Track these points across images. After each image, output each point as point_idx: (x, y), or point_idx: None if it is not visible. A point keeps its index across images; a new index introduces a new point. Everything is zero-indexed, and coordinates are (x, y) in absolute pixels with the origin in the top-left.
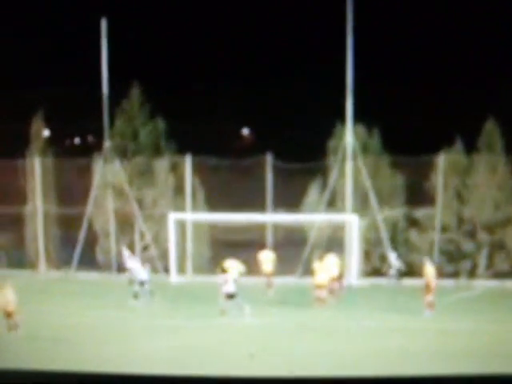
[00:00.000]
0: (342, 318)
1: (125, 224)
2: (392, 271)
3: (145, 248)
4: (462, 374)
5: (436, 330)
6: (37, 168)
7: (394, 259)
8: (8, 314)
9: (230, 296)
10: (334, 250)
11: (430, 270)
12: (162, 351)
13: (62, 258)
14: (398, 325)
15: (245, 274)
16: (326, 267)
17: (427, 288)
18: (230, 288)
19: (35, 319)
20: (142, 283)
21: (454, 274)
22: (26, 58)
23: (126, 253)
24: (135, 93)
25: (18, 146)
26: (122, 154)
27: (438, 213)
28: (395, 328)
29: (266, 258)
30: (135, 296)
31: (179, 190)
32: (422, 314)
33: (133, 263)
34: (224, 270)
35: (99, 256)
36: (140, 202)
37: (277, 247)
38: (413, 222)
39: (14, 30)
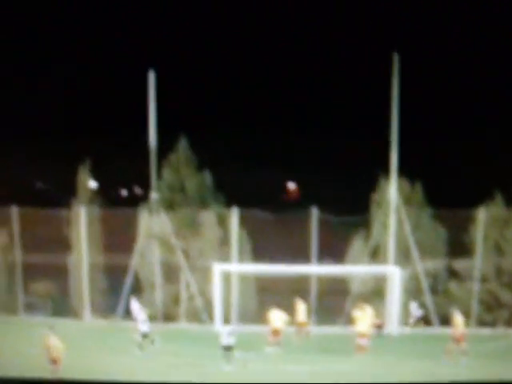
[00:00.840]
0: (380, 365)
1: (170, 275)
2: (412, 320)
3: (190, 298)
4: None
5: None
6: (83, 217)
7: (414, 308)
8: (54, 361)
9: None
10: (375, 301)
11: (458, 319)
12: None
13: (107, 307)
14: (436, 372)
15: (289, 323)
16: (367, 317)
17: (458, 337)
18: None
19: (77, 366)
20: (145, 335)
21: (492, 323)
22: (74, 108)
23: (135, 305)
24: (182, 145)
25: (64, 196)
26: (169, 205)
27: (477, 264)
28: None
29: (299, 309)
30: (141, 347)
31: (225, 241)
32: (459, 362)
33: (141, 315)
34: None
35: (144, 306)
36: (186, 253)
37: (321, 297)
38: (453, 273)
39: (63, 81)
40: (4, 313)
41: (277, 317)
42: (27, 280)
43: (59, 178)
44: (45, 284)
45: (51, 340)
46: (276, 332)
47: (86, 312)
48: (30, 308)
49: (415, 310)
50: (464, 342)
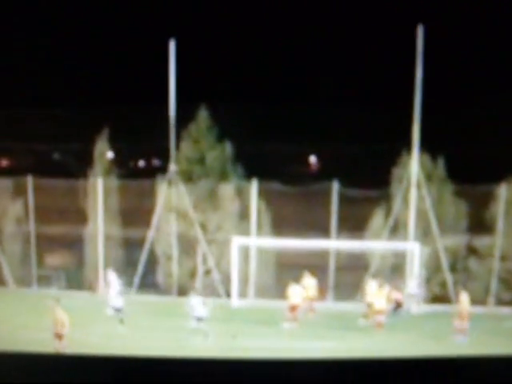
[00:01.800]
0: (398, 343)
1: (187, 248)
2: (409, 297)
3: (207, 272)
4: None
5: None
6: (99, 189)
7: (414, 287)
8: (58, 336)
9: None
10: (395, 277)
11: (464, 298)
12: None
13: (122, 280)
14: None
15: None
16: (384, 293)
17: (461, 315)
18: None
19: (89, 340)
20: (117, 310)
21: (511, 302)
22: (93, 78)
23: (112, 276)
24: (202, 116)
25: (81, 167)
26: (188, 177)
27: (497, 242)
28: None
29: (310, 284)
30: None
31: (244, 214)
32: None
33: (115, 288)
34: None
35: (160, 279)
36: (204, 226)
37: (339, 272)
38: (473, 251)
39: (82, 49)
40: (18, 285)
41: (295, 292)
42: (42, 252)
43: (76, 148)
44: (59, 256)
45: (57, 314)
46: (294, 308)
47: (101, 285)
48: (44, 280)
49: (414, 289)
50: (467, 321)
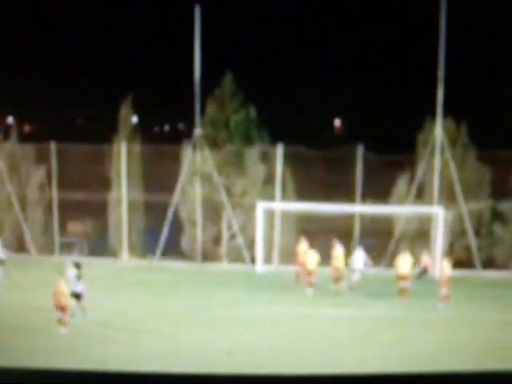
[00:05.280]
0: (420, 309)
1: (212, 213)
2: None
3: (232, 237)
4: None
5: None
6: (123, 154)
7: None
8: (62, 308)
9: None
10: (419, 242)
11: (446, 265)
12: (238, 342)
13: (145, 246)
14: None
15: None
16: (409, 259)
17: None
18: None
19: (112, 307)
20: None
21: None
22: (118, 44)
23: None
24: (227, 80)
25: (105, 132)
26: (213, 142)
27: None
28: (472, 320)
29: (339, 253)
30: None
31: (269, 179)
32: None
33: None
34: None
35: (184, 245)
36: (228, 191)
37: (363, 237)
38: (497, 215)
39: (108, 16)
40: (40, 253)
41: (310, 257)
42: (64, 219)
43: (101, 113)
44: (82, 223)
45: (59, 285)
46: (310, 273)
47: (124, 251)
48: (67, 248)
49: (359, 260)
50: (447, 288)
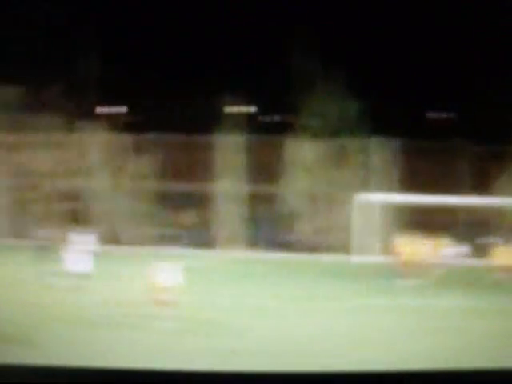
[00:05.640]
0: None
1: (314, 204)
2: None
3: (333, 228)
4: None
5: None
6: (229, 145)
7: None
8: (164, 303)
9: None
10: None
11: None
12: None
13: (249, 237)
14: None
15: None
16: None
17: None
18: None
19: (213, 300)
20: None
21: None
22: (223, 36)
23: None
24: (331, 73)
25: (210, 123)
26: (318, 133)
27: None
28: None
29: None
30: None
31: (369, 170)
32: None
33: None
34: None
35: (287, 236)
36: (330, 183)
37: (467, 230)
38: None
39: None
40: (141, 244)
41: (408, 249)
42: (168, 210)
43: (207, 103)
44: (186, 214)
45: (160, 279)
46: (407, 264)
47: (228, 243)
48: (169, 239)
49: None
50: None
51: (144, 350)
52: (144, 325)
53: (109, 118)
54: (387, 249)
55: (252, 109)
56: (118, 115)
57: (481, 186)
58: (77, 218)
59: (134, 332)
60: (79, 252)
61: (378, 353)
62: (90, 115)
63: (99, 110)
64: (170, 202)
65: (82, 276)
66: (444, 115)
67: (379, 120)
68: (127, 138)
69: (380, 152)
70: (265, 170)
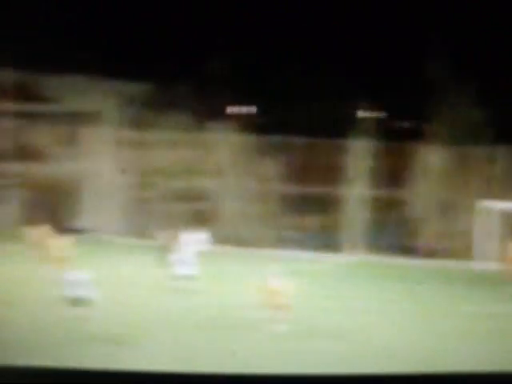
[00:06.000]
0: None
1: (438, 210)
2: None
3: (453, 235)
4: None
5: None
6: (357, 150)
7: None
8: (277, 307)
9: None
10: None
11: None
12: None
13: (372, 241)
14: None
15: None
16: None
17: None
18: None
19: (338, 304)
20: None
21: None
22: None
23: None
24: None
25: (339, 127)
26: (446, 140)
27: None
28: None
29: None
30: None
31: (496, 178)
32: None
33: None
34: None
35: (408, 241)
36: (453, 189)
37: None
38: None
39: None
40: (262, 247)
41: None
42: (292, 212)
43: (335, 107)
44: (310, 217)
45: (277, 283)
46: None
47: (353, 247)
48: (293, 242)
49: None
50: None
51: (259, 352)
52: (258, 327)
53: (238, 118)
54: (504, 255)
55: (381, 114)
56: (247, 116)
57: None
58: (197, 218)
59: (248, 334)
60: (190, 253)
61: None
62: (219, 115)
63: (229, 110)
64: (294, 204)
65: (189, 277)
66: None
67: (505, 128)
68: (255, 139)
69: (505, 159)
70: (390, 175)
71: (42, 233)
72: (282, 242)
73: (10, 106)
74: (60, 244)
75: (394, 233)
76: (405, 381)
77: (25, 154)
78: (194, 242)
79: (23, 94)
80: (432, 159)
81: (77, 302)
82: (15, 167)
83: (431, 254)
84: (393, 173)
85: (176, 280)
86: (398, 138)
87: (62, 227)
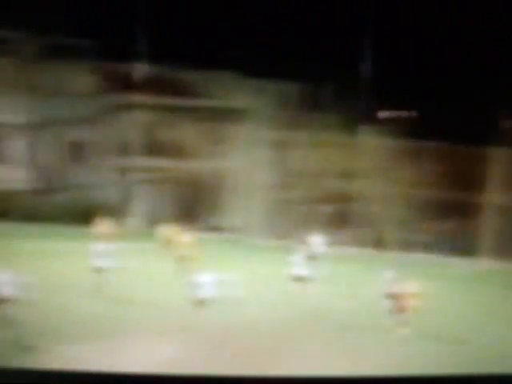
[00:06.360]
0: None
1: None
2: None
3: None
4: None
5: None
6: (497, 157)
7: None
8: (403, 309)
9: None
10: None
11: None
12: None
13: (505, 248)
14: None
15: None
16: None
17: None
18: None
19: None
20: None
21: None
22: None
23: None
24: None
25: (483, 134)
26: None
27: None
28: None
29: None
30: None
31: None
32: None
33: None
34: None
35: None
36: None
37: None
38: None
39: None
40: (401, 250)
41: None
42: (429, 217)
43: (484, 115)
44: (447, 222)
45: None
46: None
47: (485, 253)
48: (427, 246)
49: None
50: None
51: (384, 355)
52: (384, 330)
53: (389, 122)
54: None
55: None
56: (398, 120)
57: None
58: (337, 220)
59: (375, 337)
60: (310, 254)
61: None
62: (370, 118)
63: (381, 114)
64: (432, 209)
65: (313, 280)
66: None
67: None
68: (403, 144)
69: None
70: None
71: (172, 231)
72: (417, 246)
73: (161, 99)
74: (188, 243)
75: None
76: None
77: (166, 149)
78: (320, 244)
79: (175, 88)
80: None
81: (201, 302)
82: (155, 162)
83: None
84: None
85: (300, 281)
86: None
87: (202, 225)
